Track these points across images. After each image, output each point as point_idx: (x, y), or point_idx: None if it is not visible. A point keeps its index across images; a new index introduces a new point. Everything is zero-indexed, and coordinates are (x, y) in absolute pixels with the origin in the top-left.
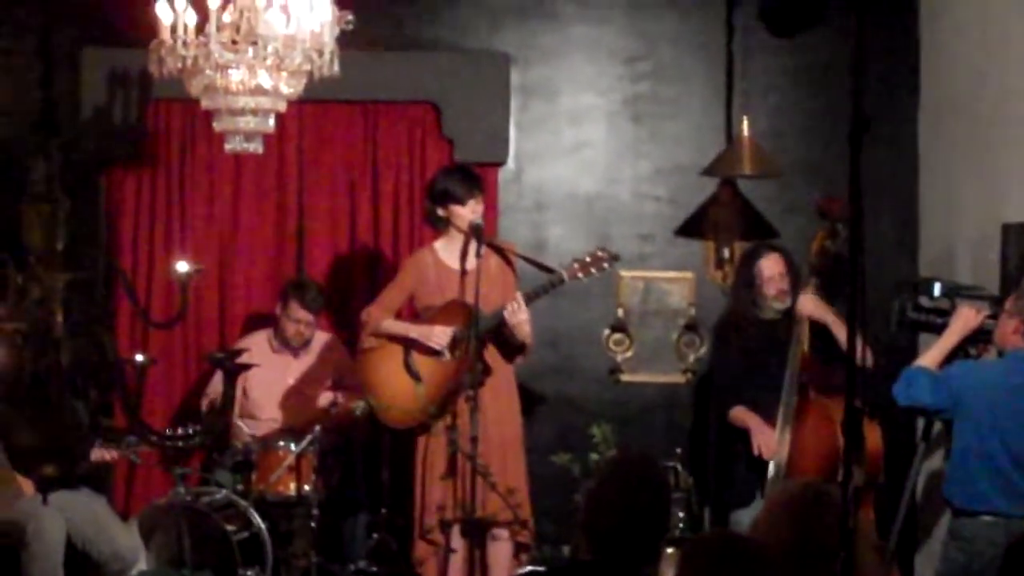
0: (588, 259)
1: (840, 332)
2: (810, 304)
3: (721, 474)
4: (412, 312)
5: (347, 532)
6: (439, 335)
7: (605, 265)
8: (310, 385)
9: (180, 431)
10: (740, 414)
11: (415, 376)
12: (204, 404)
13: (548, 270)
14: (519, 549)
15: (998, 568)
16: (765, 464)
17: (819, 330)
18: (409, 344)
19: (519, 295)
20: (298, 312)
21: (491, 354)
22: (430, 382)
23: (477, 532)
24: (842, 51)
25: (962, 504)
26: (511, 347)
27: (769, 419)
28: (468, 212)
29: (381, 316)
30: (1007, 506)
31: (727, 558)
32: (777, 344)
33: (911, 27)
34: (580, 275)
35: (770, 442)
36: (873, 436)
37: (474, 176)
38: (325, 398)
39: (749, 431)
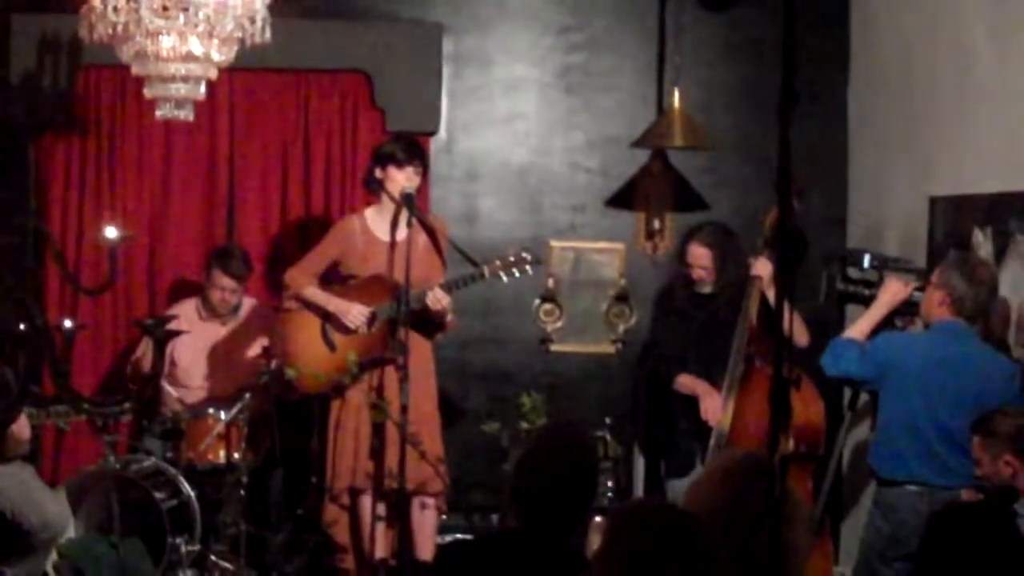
0: (511, 259)
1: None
2: (766, 272)
3: (658, 443)
4: (340, 278)
5: (274, 499)
6: (355, 315)
7: (527, 267)
8: (239, 352)
9: (108, 398)
10: (687, 380)
11: (331, 345)
12: (128, 369)
13: (472, 262)
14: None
15: (921, 536)
16: (708, 434)
17: (765, 302)
18: (327, 314)
19: (438, 290)
20: (222, 279)
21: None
22: (349, 350)
23: (403, 501)
24: (773, 25)
25: (887, 474)
26: (429, 326)
27: None
28: (403, 178)
29: (303, 281)
30: (931, 476)
31: (653, 526)
32: (714, 317)
33: (842, 2)
34: (501, 273)
35: (717, 407)
36: (815, 407)
37: (419, 147)
38: (255, 364)
39: (697, 397)
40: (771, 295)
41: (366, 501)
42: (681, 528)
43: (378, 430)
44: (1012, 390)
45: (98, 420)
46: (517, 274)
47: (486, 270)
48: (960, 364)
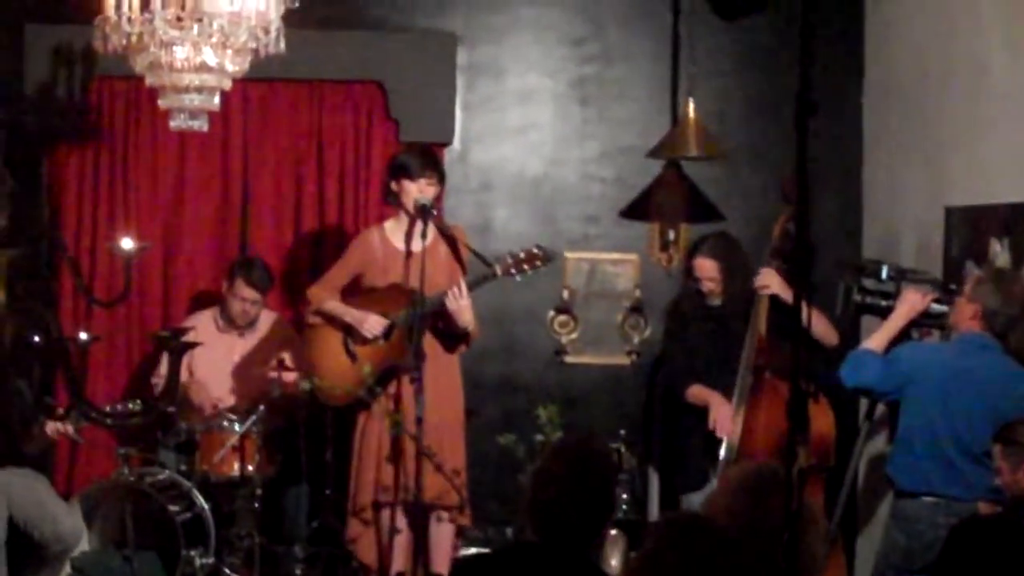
0: (523, 256)
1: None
2: (775, 281)
3: (671, 457)
4: (362, 291)
5: (289, 512)
6: (372, 325)
7: (539, 263)
8: (256, 364)
9: (120, 407)
10: (699, 391)
11: (352, 357)
12: (156, 386)
13: (484, 261)
14: (457, 531)
15: (939, 550)
16: (718, 448)
17: (779, 310)
18: (347, 326)
19: (461, 282)
20: (244, 290)
21: (430, 340)
22: (367, 361)
23: (420, 514)
24: (787, 34)
25: (905, 485)
26: (452, 334)
27: None
28: (416, 190)
29: (324, 295)
30: (949, 488)
31: (696, 540)
32: (723, 330)
33: (857, 10)
34: (513, 271)
35: (727, 418)
36: (825, 419)
37: (433, 157)
38: (271, 377)
39: (708, 407)
40: (787, 296)
41: (388, 515)
42: (721, 544)
43: (396, 442)
44: None
45: (117, 431)
46: (529, 271)
47: (498, 268)
48: (980, 376)
